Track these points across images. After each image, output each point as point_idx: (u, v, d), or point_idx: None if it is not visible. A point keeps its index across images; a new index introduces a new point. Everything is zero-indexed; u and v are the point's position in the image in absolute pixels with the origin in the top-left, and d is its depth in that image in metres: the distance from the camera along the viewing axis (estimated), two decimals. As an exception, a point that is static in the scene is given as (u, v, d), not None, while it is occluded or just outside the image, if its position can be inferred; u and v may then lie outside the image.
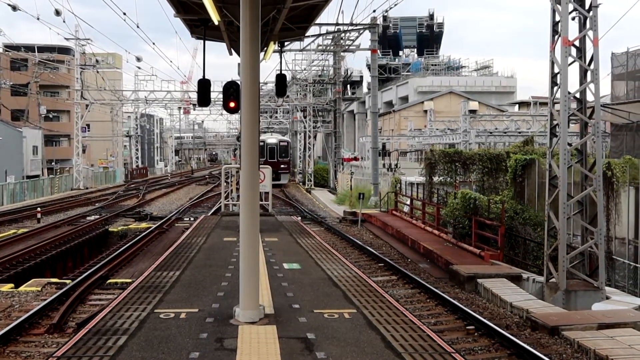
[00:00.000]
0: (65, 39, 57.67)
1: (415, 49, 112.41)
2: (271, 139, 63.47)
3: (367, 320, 9.15)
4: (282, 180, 60.89)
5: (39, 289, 15.84)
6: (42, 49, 72.91)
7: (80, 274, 18.15)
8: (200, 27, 14.32)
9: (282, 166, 61.76)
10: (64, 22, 78.66)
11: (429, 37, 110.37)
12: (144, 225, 29.65)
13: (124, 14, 31.92)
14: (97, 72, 63.65)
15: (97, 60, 65.06)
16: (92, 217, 32.83)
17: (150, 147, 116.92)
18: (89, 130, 73.90)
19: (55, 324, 12.09)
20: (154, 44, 57.77)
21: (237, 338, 8.29)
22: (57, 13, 39.29)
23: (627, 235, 21.15)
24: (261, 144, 53.31)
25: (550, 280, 16.69)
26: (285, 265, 13.54)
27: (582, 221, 17.13)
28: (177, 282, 11.85)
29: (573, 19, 16.56)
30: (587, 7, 16.32)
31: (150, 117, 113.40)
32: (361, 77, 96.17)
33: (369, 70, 52.60)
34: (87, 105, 63.23)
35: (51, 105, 74.87)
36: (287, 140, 66.07)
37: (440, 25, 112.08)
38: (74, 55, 64.82)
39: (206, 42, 15.19)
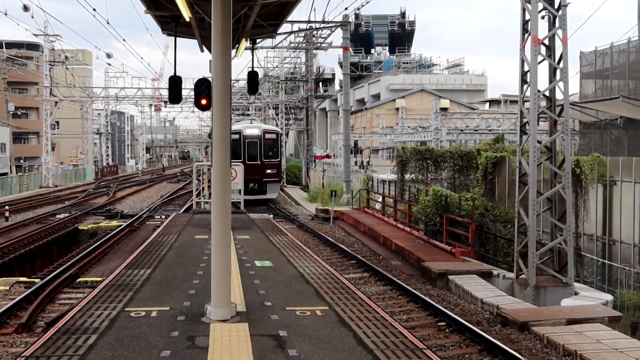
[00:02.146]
0: (34, 35, 57.01)
1: (387, 47, 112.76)
2: (252, 129, 41.79)
3: (339, 317, 9.16)
4: (268, 194, 41.27)
5: (7, 288, 15.64)
6: (10, 45, 71.86)
7: (50, 273, 17.95)
8: (171, 24, 14.21)
9: (268, 171, 40.80)
10: (32, 17, 77.43)
11: (400, 35, 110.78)
12: (114, 223, 29.40)
13: (94, 10, 31.69)
14: (67, 68, 62.95)
15: (66, 57, 64.29)
16: (62, 215, 32.49)
17: (120, 144, 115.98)
18: (58, 128, 73.07)
19: (24, 324, 11.95)
20: (124, 40, 57.38)
21: (208, 336, 8.26)
22: (26, 8, 38.83)
23: (595, 232, 21.42)
24: (236, 136, 38.43)
25: (520, 277, 16.86)
26: (257, 263, 13.51)
27: (552, 218, 17.32)
28: (148, 280, 11.77)
29: (543, 17, 16.72)
30: (556, 6, 16.49)
31: (120, 115, 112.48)
32: (333, 74, 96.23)
33: (341, 68, 52.68)
34: (56, 103, 62.47)
35: (19, 102, 73.89)
36: (276, 131, 43.65)
37: (412, 23, 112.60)
38: (42, 52, 63.97)
39: (177, 39, 15.07)
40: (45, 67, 61.53)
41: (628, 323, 15.08)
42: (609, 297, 16.04)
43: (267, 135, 41.64)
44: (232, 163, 20.30)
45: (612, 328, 12.80)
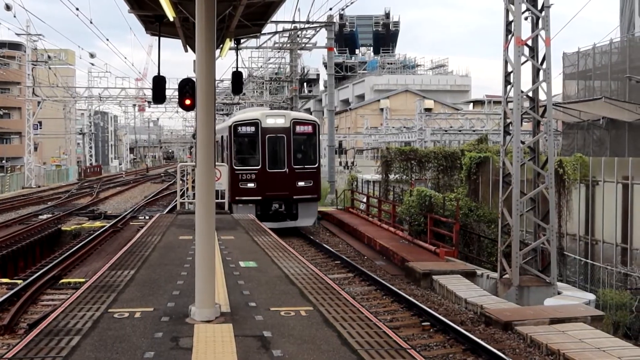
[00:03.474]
0: (16, 34, 56.63)
1: (372, 48, 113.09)
2: (275, 117, 27.78)
3: (324, 317, 9.16)
4: (301, 219, 27.26)
5: (-11, 289, 15.51)
6: (-8, 44, 71.36)
7: (32, 274, 17.83)
8: (155, 24, 14.16)
9: (301, 184, 26.87)
10: (14, 17, 76.75)
11: (385, 36, 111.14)
12: (97, 224, 29.25)
13: (77, 9, 31.43)
14: (50, 68, 62.47)
15: (49, 57, 63.85)
16: (44, 216, 32.25)
17: (104, 145, 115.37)
18: (41, 128, 72.49)
19: (6, 325, 11.87)
20: (107, 40, 56.88)
21: (192, 337, 8.23)
22: (8, 8, 38.56)
23: (578, 231, 21.57)
24: (249, 129, 26.71)
25: (503, 277, 16.94)
26: (242, 264, 13.48)
27: (535, 218, 17.42)
28: (131, 281, 11.71)
29: (526, 18, 16.82)
30: (539, 7, 16.59)
31: (104, 115, 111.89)
32: (318, 75, 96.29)
33: (326, 69, 52.71)
34: (38, 102, 62.02)
35: (1, 102, 73.39)
36: (312, 122, 28.51)
37: (396, 24, 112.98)
38: (25, 51, 63.51)
39: (161, 38, 15.02)
40: (27, 66, 61.08)
41: (610, 322, 15.19)
42: (591, 296, 16.16)
43: (299, 128, 26.88)
44: (217, 165, 20.23)
45: (594, 327, 12.90)
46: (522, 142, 17.11)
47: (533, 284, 16.52)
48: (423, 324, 13.20)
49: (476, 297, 15.12)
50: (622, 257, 19.76)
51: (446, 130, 47.99)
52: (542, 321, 12.98)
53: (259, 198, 25.97)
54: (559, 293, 16.15)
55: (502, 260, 16.92)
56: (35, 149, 68.77)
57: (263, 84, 66.87)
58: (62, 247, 24.76)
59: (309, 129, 26.92)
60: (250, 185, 25.84)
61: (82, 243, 23.00)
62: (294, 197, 26.08)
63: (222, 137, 29.07)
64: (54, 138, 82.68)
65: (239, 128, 26.46)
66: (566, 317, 13.30)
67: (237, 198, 25.83)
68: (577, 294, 16.07)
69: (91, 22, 34.27)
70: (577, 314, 13.68)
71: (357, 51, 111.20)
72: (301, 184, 26.20)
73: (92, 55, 57.09)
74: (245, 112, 33.99)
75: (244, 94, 62.86)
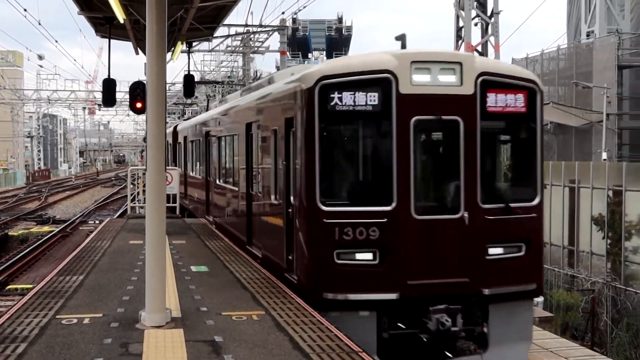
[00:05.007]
0: (-38, 35, 55.31)
1: (325, 52, 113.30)
2: (439, 69, 10.11)
3: (276, 321, 9.15)
4: (499, 351, 10.43)
5: None
6: (-64, 45, 69.60)
7: (-23, 280, 17.45)
8: (105, 26, 14.02)
9: (496, 252, 10.41)
10: (-41, 17, 75.12)
11: (338, 40, 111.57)
12: (46, 228, 28.76)
13: (25, 10, 30.85)
14: (-4, 70, 61.23)
15: (-5, 58, 62.57)
16: (-9, 221, 31.57)
17: (53, 148, 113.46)
18: (-13, 131, 70.98)
19: (-50, 333, 11.57)
20: (56, 42, 55.73)
21: (142, 342, 8.14)
22: (-48, 8, 37.59)
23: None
24: (370, 101, 9.97)
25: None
26: (193, 268, 13.37)
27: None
28: (80, 286, 11.52)
29: (476, 24, 17.13)
30: (489, 13, 16.89)
31: (53, 118, 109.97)
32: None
33: (279, 72, 52.63)
34: (-15, 105, 60.73)
35: (-54, 104, 71.46)
36: (527, 84, 10.70)
37: (349, 28, 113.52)
38: (-29, 52, 62.16)
39: (112, 41, 14.88)
40: (-27, 68, 59.76)
41: (559, 323, 15.50)
42: (539, 298, 16.44)
43: (499, 100, 10.48)
44: (168, 168, 20.02)
45: (542, 328, 13.13)
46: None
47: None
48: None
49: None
50: (569, 259, 20.18)
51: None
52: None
53: (392, 296, 10.10)
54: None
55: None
56: (-19, 152, 67.27)
57: (215, 87, 66.58)
58: (9, 252, 24.27)
59: (519, 102, 10.72)
60: (364, 256, 10.25)
61: (30, 248, 22.58)
62: (483, 290, 10.33)
63: (257, 126, 13.63)
64: (1, 141, 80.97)
65: (336, 95, 10.06)
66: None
67: (325, 296, 10.17)
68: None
69: (39, 24, 33.70)
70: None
71: (310, 55, 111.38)
72: (497, 253, 10.58)
73: (40, 57, 56.16)
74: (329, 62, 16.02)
75: (197, 97, 62.50)
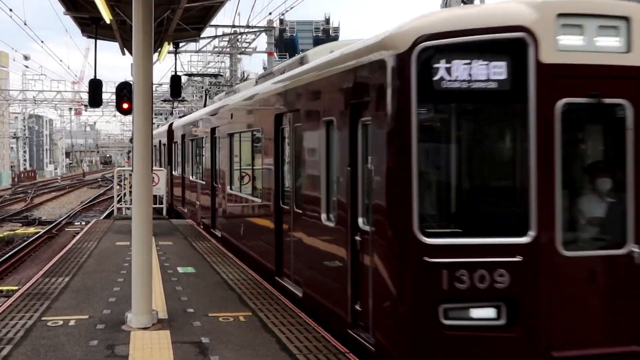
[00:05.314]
0: (-54, 35, 54.95)
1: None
2: (599, 23, 6.71)
3: (263, 322, 9.14)
4: None
5: None
6: None
7: (-38, 282, 17.35)
8: (91, 26, 13.97)
9: None
10: (-56, 17, 74.62)
11: (325, 41, 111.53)
12: (31, 230, 28.60)
13: (10, 10, 30.68)
14: (-19, 70, 60.91)
15: (-19, 58, 62.22)
16: (-24, 222, 31.39)
17: (39, 149, 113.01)
18: (-28, 131, 70.56)
19: None
20: (42, 42, 55.47)
21: (129, 344, 8.11)
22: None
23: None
24: (498, 74, 6.51)
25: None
26: (180, 269, 13.35)
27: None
28: (66, 288, 11.48)
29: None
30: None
31: (39, 118, 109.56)
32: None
33: (266, 73, 52.57)
34: (-30, 105, 60.38)
35: None
36: None
37: (337, 29, 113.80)
38: (-45, 53, 61.76)
39: (98, 41, 14.84)
40: (-42, 68, 59.41)
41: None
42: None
43: None
44: (154, 169, 19.95)
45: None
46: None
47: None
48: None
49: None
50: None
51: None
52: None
53: None
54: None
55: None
56: (-34, 153, 66.88)
57: (202, 87, 66.47)
58: (-6, 254, 24.11)
59: None
60: (484, 313, 6.66)
61: (16, 250, 22.44)
62: None
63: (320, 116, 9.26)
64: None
65: (442, 65, 6.50)
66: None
67: None
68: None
69: (25, 24, 33.46)
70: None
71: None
72: None
73: (26, 58, 55.90)
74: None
75: (184, 98, 62.35)
